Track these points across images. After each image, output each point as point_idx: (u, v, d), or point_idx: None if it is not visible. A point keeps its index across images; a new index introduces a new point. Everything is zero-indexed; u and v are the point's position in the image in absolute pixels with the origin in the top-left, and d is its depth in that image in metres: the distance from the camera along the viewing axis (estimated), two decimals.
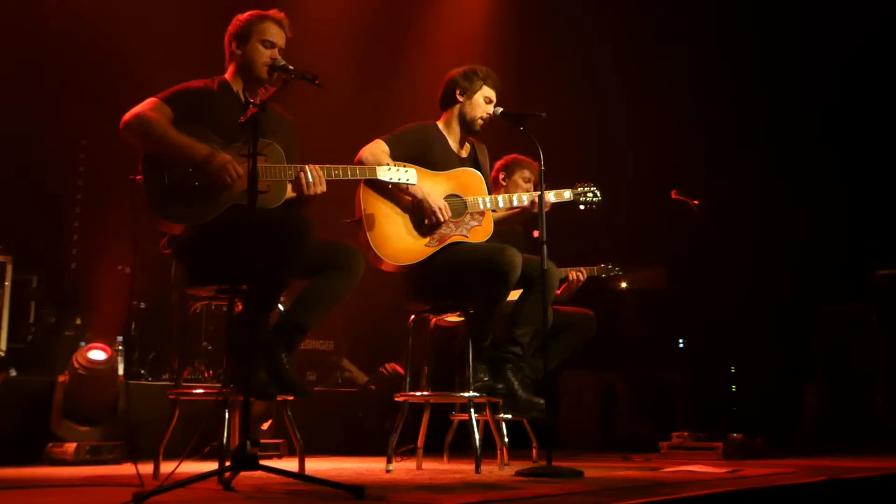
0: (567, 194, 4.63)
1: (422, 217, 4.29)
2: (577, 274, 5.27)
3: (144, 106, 3.68)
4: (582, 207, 4.66)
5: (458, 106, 4.54)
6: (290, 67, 3.70)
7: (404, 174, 4.09)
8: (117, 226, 5.59)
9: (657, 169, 7.11)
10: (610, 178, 4.93)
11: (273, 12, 3.92)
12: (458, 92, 4.52)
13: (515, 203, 4.50)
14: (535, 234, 4.27)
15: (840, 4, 7.34)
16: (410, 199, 4.28)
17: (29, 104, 6.01)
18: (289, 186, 3.86)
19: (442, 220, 4.27)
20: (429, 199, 4.26)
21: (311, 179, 3.77)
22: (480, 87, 4.52)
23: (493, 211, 4.48)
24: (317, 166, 3.80)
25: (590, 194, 4.66)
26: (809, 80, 7.56)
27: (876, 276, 6.69)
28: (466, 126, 4.54)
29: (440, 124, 4.58)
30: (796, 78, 7.57)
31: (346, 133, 6.60)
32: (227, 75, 3.92)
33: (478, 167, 4.56)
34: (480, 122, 4.52)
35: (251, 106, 3.28)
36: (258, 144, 3.22)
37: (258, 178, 3.19)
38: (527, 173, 5.21)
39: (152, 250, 3.90)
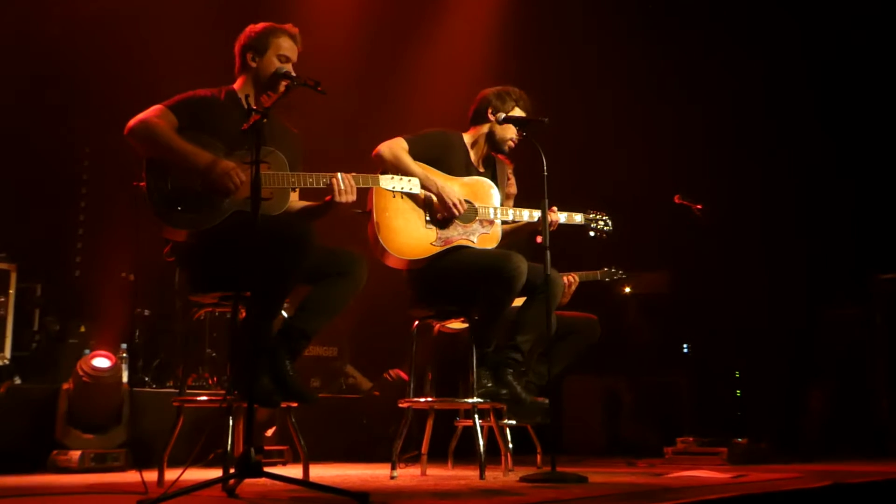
0: (578, 218, 4.66)
1: (435, 211, 4.30)
2: (569, 278, 5.26)
3: (150, 112, 3.69)
4: (592, 234, 4.69)
5: (488, 125, 4.55)
6: (293, 74, 3.72)
7: (407, 183, 4.06)
8: (121, 233, 5.60)
9: (660, 173, 7.10)
10: (613, 183, 4.94)
11: (288, 26, 3.91)
12: (490, 111, 4.53)
13: (526, 218, 4.51)
14: (539, 239, 4.27)
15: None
16: (423, 194, 4.28)
17: (32, 112, 6.01)
18: (294, 194, 3.85)
19: (457, 213, 4.28)
20: (445, 192, 4.27)
21: (342, 187, 3.78)
22: (512, 109, 4.53)
23: (504, 223, 4.48)
24: (349, 175, 3.81)
25: (601, 222, 4.70)
26: (813, 82, 7.54)
27: (879, 280, 6.67)
28: (495, 145, 4.58)
29: (466, 136, 4.60)
30: (800, 80, 7.55)
31: (348, 139, 6.61)
32: (237, 85, 3.91)
33: (494, 182, 4.57)
34: (511, 143, 4.55)
35: (254, 113, 3.28)
36: (261, 152, 3.22)
37: (261, 184, 3.19)
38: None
39: (156, 257, 3.90)
